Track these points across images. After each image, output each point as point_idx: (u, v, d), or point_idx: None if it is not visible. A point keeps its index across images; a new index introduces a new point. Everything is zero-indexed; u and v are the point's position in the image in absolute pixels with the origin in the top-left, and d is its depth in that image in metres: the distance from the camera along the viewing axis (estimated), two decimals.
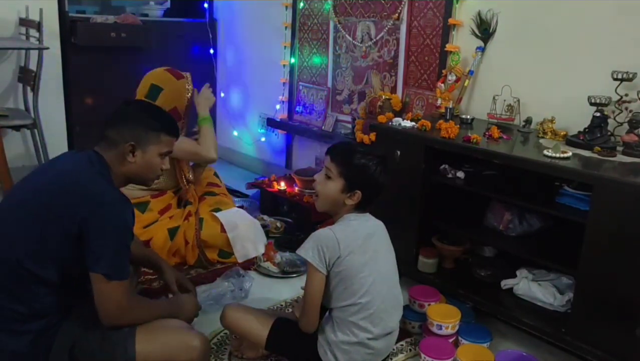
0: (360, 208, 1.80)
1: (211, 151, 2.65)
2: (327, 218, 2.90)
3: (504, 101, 2.55)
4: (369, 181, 1.77)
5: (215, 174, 3.05)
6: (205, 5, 4.38)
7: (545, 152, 2.00)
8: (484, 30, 2.64)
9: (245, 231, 2.68)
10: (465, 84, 2.69)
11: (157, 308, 1.74)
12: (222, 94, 4.40)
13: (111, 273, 1.50)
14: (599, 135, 2.09)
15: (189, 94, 2.64)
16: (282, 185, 3.37)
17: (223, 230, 2.62)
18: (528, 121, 2.44)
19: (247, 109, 4.27)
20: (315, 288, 1.72)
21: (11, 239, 1.52)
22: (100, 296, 1.51)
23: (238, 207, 3.01)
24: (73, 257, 1.51)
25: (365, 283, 1.72)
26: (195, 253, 2.61)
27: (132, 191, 2.53)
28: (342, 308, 1.73)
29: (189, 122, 2.75)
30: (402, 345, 2.10)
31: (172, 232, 2.58)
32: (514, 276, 2.22)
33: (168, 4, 4.53)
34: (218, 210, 2.70)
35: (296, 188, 3.32)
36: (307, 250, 1.72)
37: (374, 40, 3.18)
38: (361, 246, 1.73)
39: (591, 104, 2.13)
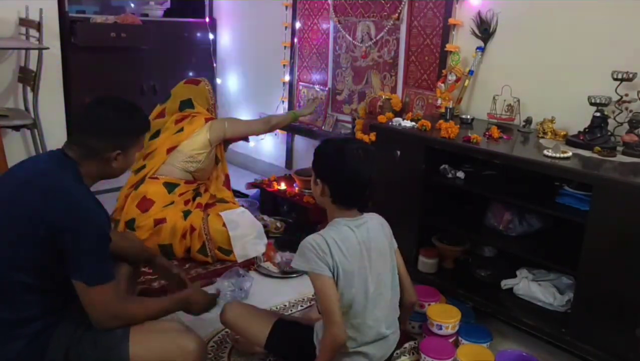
0: (343, 205, 1.67)
1: (262, 130, 3.04)
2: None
3: (504, 101, 2.55)
4: (332, 168, 1.64)
5: (227, 178, 3.07)
6: (205, 5, 4.38)
7: (545, 152, 2.00)
8: (484, 30, 2.64)
9: (246, 232, 2.71)
10: (465, 84, 2.68)
11: (156, 306, 1.67)
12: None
13: (91, 279, 1.48)
14: (599, 135, 2.09)
15: (210, 92, 2.95)
16: (282, 185, 3.37)
17: (225, 226, 2.67)
18: (528, 121, 2.44)
19: (247, 108, 4.27)
20: (326, 293, 1.59)
21: None
22: (87, 304, 1.50)
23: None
24: (51, 263, 1.48)
25: (349, 296, 1.63)
26: (200, 241, 2.65)
27: (171, 169, 2.73)
28: None
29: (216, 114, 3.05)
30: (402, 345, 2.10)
31: (186, 214, 2.69)
32: (514, 276, 2.22)
33: (168, 4, 4.53)
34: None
35: (296, 188, 3.32)
36: (302, 263, 1.62)
37: (374, 40, 3.18)
38: (349, 257, 1.63)
39: (591, 104, 2.13)
